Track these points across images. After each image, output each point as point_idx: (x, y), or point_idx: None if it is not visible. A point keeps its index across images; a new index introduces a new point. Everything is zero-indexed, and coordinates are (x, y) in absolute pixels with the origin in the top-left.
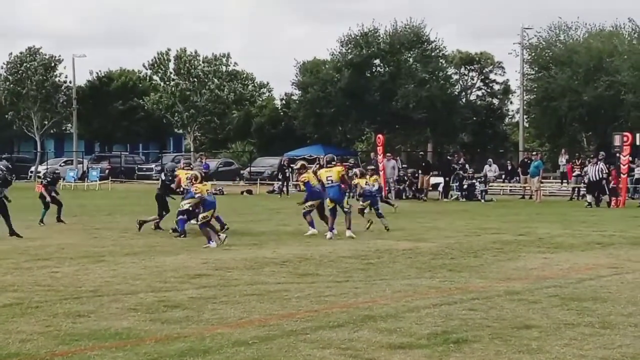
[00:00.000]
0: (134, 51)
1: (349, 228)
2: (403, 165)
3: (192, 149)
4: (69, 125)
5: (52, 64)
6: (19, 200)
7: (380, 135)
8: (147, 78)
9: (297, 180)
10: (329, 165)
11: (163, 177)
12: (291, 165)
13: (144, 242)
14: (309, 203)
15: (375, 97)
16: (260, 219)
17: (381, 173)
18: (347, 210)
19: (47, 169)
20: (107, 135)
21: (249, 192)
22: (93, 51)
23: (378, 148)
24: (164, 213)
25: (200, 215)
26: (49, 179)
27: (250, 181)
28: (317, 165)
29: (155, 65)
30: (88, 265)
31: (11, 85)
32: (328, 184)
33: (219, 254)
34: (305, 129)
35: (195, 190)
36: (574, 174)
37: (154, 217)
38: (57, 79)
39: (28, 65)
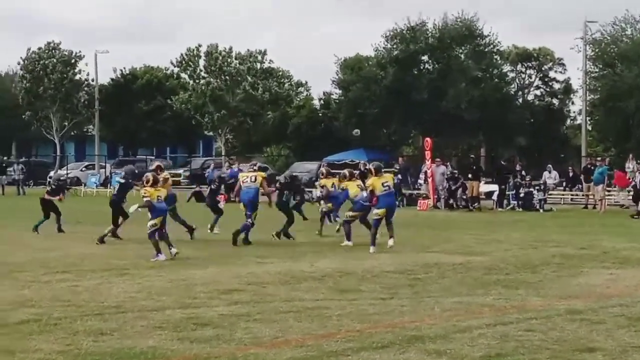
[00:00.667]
0: (160, 47)
1: (391, 237)
2: (453, 172)
3: (223, 153)
4: (91, 127)
5: (73, 61)
6: (36, 207)
7: (428, 139)
8: (175, 76)
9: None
10: (379, 174)
11: (122, 181)
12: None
13: (166, 253)
14: (351, 213)
15: (423, 96)
16: (296, 230)
17: (429, 180)
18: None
19: (67, 174)
20: (132, 138)
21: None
22: (116, 47)
23: (426, 152)
24: (122, 219)
25: (149, 223)
26: (53, 186)
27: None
28: (357, 173)
29: (184, 62)
30: (110, 279)
31: (29, 84)
32: (385, 190)
33: (252, 267)
34: (347, 131)
35: (145, 193)
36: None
37: (110, 227)
38: (77, 77)
39: (46, 62)
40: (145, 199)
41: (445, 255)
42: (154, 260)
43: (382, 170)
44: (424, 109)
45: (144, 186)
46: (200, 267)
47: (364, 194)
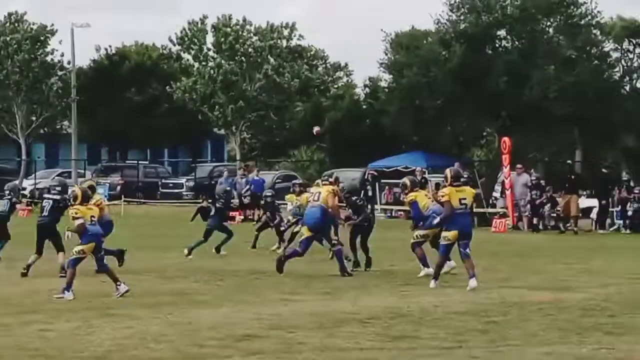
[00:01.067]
0: (157, 19)
1: (472, 276)
2: (537, 181)
3: (237, 157)
4: (66, 123)
5: (42, 37)
6: None
7: (506, 138)
8: (176, 57)
9: (387, 199)
10: (456, 183)
11: (57, 197)
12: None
13: (170, 287)
14: (421, 232)
15: (500, 84)
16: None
17: (507, 192)
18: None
19: (34, 184)
20: (119, 137)
21: None
22: (99, 19)
23: (503, 156)
24: (37, 256)
25: (75, 249)
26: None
27: None
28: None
29: (187, 39)
30: (92, 321)
31: None
32: (461, 209)
33: (277, 306)
34: (399, 129)
35: (76, 214)
36: None
37: (35, 256)
38: (49, 58)
39: (8, 39)
40: (77, 222)
41: (529, 292)
42: (59, 297)
43: (460, 178)
44: (500, 100)
45: (73, 204)
46: (209, 305)
47: (433, 207)
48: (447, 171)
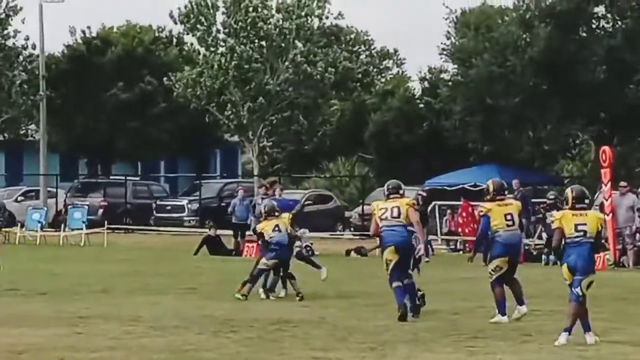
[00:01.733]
0: None
1: (588, 330)
2: None
3: (256, 172)
4: (32, 126)
5: (2, 16)
6: None
7: (606, 148)
8: (176, 40)
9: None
10: (579, 205)
11: None
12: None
13: (167, 342)
14: (494, 264)
15: (597, 76)
16: (380, 303)
17: (608, 218)
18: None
19: None
20: (102, 146)
21: (361, 251)
22: None
23: (602, 171)
24: None
25: None
26: None
27: (363, 231)
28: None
29: (192, 16)
30: None
31: None
32: (577, 237)
33: None
34: (466, 135)
35: None
36: None
37: None
38: (10, 43)
39: None
40: None
41: (634, 348)
42: None
43: (504, 191)
44: (597, 97)
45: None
46: None
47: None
48: (568, 191)
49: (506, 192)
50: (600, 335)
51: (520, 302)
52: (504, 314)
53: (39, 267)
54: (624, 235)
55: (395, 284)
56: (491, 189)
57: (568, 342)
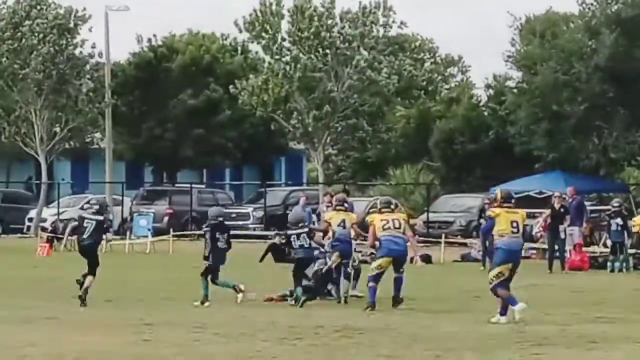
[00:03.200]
0: (215, 3)
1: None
2: None
3: (321, 179)
4: (98, 134)
5: (70, 25)
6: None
7: None
8: (241, 49)
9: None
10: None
11: (99, 218)
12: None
13: (232, 348)
14: (497, 271)
15: None
16: (445, 310)
17: None
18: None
19: (57, 214)
20: (167, 154)
21: (426, 258)
22: (142, 2)
23: None
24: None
25: None
26: None
27: (427, 238)
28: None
29: (257, 24)
30: None
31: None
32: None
33: None
34: (531, 142)
35: None
36: None
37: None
38: (78, 51)
39: (32, 25)
40: None
41: None
42: None
43: (512, 199)
44: None
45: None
46: None
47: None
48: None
49: (513, 201)
50: None
51: (502, 312)
52: (503, 315)
53: (106, 275)
54: None
55: (371, 284)
56: (499, 197)
57: (636, 350)
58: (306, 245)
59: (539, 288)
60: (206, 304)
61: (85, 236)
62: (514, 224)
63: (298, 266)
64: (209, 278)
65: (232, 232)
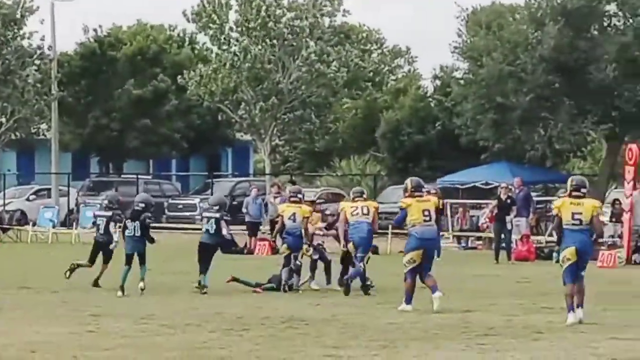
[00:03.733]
0: None
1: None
2: None
3: (267, 170)
4: (44, 126)
5: (17, 16)
6: None
7: (633, 146)
8: (188, 40)
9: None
10: (576, 194)
11: (109, 214)
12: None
13: (180, 339)
14: (408, 257)
15: (608, 75)
16: (392, 301)
17: (626, 216)
18: None
19: (3, 205)
20: (114, 145)
21: (373, 249)
22: None
23: (627, 168)
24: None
25: None
26: None
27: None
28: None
29: (203, 15)
30: None
31: None
32: (574, 224)
33: None
34: (477, 133)
35: None
36: None
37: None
38: (25, 43)
39: None
40: None
41: None
42: None
43: (422, 188)
44: (609, 95)
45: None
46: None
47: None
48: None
49: (423, 190)
50: (612, 333)
51: (434, 290)
52: (409, 303)
53: (51, 266)
54: None
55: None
56: (409, 186)
57: (581, 340)
58: (211, 231)
59: (485, 278)
60: (119, 293)
61: (100, 232)
62: (426, 213)
63: (199, 250)
64: (130, 266)
65: (178, 223)
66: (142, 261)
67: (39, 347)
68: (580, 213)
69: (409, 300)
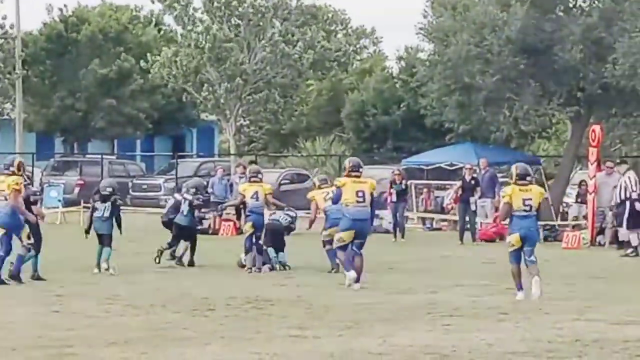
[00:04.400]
0: None
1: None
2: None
3: (232, 150)
4: (8, 105)
5: None
6: None
7: (596, 127)
8: (153, 20)
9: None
10: (521, 182)
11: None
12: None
13: (144, 320)
14: (339, 236)
15: (574, 56)
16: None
17: (590, 197)
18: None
19: None
20: (78, 125)
21: None
22: None
23: (590, 149)
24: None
25: None
26: None
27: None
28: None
29: None
30: None
31: None
32: (525, 210)
33: (280, 344)
34: (443, 114)
35: None
36: None
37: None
38: None
39: None
40: None
41: (611, 326)
42: None
43: (360, 168)
44: (574, 77)
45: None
46: (194, 343)
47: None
48: (513, 168)
49: (361, 171)
50: (576, 313)
51: (358, 277)
52: (349, 270)
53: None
54: (606, 215)
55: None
56: (347, 166)
57: (545, 320)
58: (185, 213)
59: (450, 259)
60: (95, 270)
61: (184, 214)
62: (360, 194)
63: (176, 230)
64: (103, 245)
65: (143, 205)
66: (109, 243)
67: (3, 326)
68: (530, 199)
69: (348, 268)
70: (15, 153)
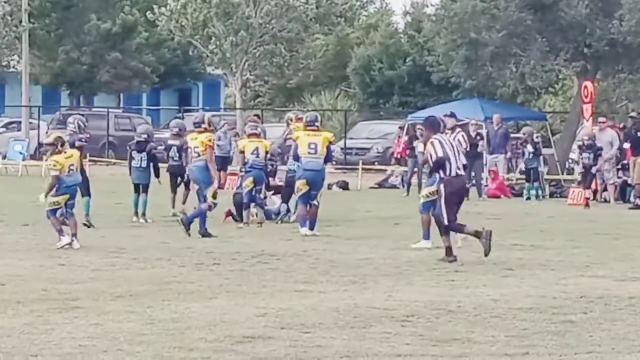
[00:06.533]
0: None
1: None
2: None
3: (238, 105)
4: (15, 58)
5: None
6: None
7: (587, 83)
8: None
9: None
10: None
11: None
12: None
13: (150, 273)
14: (296, 185)
15: (580, 11)
16: (364, 236)
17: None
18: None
19: None
20: (84, 78)
21: (343, 185)
22: None
23: (584, 107)
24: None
25: (51, 199)
26: None
27: (345, 165)
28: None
29: None
30: (49, 316)
31: None
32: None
33: (288, 298)
34: (449, 69)
35: (54, 165)
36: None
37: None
38: None
39: None
40: (53, 173)
41: (616, 283)
42: (61, 246)
43: (317, 122)
44: (581, 32)
45: (58, 152)
46: (200, 297)
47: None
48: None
49: (318, 125)
50: (581, 270)
51: (312, 225)
52: (303, 227)
53: (21, 199)
54: (603, 171)
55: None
56: (304, 120)
57: (550, 277)
58: (175, 159)
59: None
60: (134, 219)
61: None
62: (312, 146)
63: (170, 178)
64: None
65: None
66: (145, 191)
67: (9, 279)
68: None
69: (303, 224)
70: (21, 106)
